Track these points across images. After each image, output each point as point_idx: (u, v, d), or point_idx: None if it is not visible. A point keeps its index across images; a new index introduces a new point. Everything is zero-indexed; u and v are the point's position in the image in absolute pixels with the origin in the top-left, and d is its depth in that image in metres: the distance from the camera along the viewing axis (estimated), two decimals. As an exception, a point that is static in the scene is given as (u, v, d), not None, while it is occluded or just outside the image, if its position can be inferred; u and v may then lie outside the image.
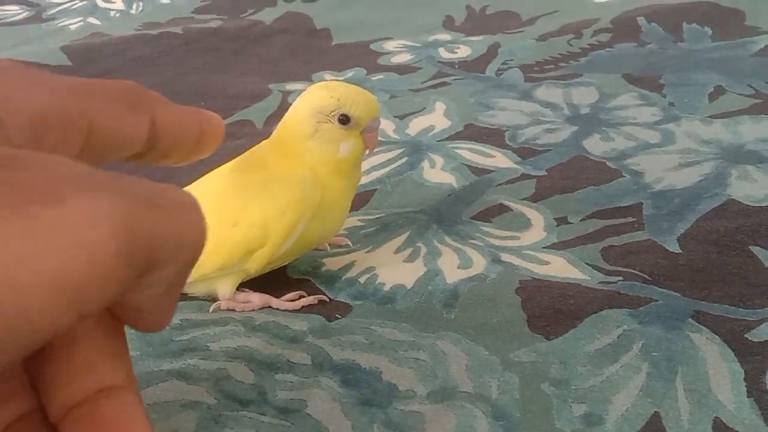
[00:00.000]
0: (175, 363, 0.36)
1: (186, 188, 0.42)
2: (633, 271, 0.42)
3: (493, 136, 0.61)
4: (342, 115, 0.39)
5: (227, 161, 0.43)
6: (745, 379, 0.34)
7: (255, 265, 0.39)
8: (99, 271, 0.16)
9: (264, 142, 0.43)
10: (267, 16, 0.98)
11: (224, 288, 0.40)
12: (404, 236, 0.47)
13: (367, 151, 0.41)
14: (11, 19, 1.04)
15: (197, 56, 0.85)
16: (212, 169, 0.43)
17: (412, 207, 0.50)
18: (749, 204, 0.49)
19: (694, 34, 0.84)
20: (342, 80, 0.75)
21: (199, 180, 0.42)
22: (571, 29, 0.87)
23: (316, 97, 0.40)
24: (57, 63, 0.81)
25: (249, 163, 0.41)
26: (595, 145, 0.58)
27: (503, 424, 0.32)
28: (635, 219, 0.48)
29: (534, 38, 0.85)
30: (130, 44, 0.87)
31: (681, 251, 0.44)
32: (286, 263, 0.43)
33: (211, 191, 0.41)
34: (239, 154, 0.43)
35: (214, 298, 0.40)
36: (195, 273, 0.39)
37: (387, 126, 0.63)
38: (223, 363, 0.36)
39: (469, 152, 0.58)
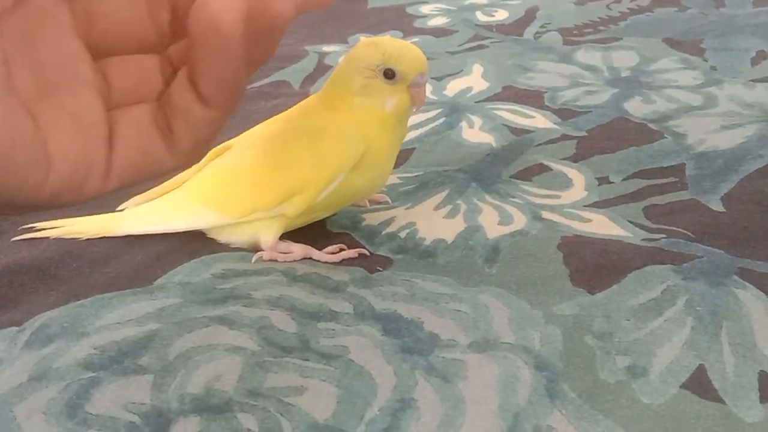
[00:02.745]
0: (218, 310, 0.36)
1: (235, 138, 0.42)
2: (676, 229, 0.42)
3: (532, 98, 0.60)
4: (387, 69, 0.39)
5: (263, 121, 0.43)
6: (791, 335, 0.34)
7: (294, 209, 0.39)
8: None
9: (313, 96, 0.43)
10: (302, -20, 0.98)
11: (266, 236, 0.40)
12: (444, 194, 0.47)
13: (415, 108, 0.41)
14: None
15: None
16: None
17: (451, 166, 0.50)
18: (794, 165, 0.48)
19: (735, 0, 0.82)
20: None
21: (248, 131, 0.42)
22: (611, -6, 0.86)
23: (362, 53, 0.40)
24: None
25: (297, 114, 0.42)
26: (637, 107, 0.58)
27: (546, 374, 0.32)
28: (678, 179, 0.47)
29: (573, 2, 0.84)
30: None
31: (725, 210, 0.44)
32: (329, 215, 0.43)
33: (258, 136, 0.41)
34: (276, 114, 0.43)
35: (256, 249, 0.41)
36: (236, 212, 0.39)
37: (425, 87, 0.62)
38: (266, 311, 0.36)
39: (508, 113, 0.58)
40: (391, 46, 0.39)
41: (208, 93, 0.24)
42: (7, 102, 0.21)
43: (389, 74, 0.39)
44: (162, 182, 0.42)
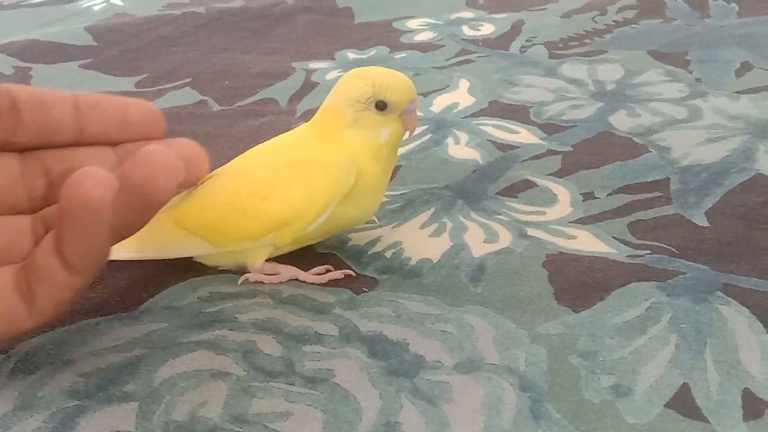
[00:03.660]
0: (204, 334, 0.36)
1: (225, 166, 0.42)
2: (661, 244, 0.42)
3: (518, 113, 0.60)
4: (378, 101, 0.39)
5: (255, 139, 0.43)
6: (774, 351, 0.34)
7: (282, 240, 0.40)
8: None
9: (302, 127, 0.43)
10: (289, -5, 0.98)
11: (253, 260, 0.40)
12: (430, 212, 0.47)
13: (408, 134, 0.41)
14: (35, 0, 1.05)
15: (220, 36, 0.85)
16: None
17: (437, 183, 0.50)
18: (778, 178, 0.48)
19: (720, 11, 0.83)
20: (366, 58, 0.75)
21: (238, 157, 0.42)
22: (596, 6, 0.86)
23: (350, 87, 0.40)
24: (82, 43, 0.81)
25: (287, 144, 0.42)
26: (621, 121, 0.58)
27: (531, 395, 0.32)
28: (662, 194, 0.48)
29: (558, 15, 0.84)
30: (154, 24, 0.87)
31: (709, 225, 0.44)
32: (316, 242, 0.43)
33: (248, 165, 0.41)
34: (264, 132, 0.43)
35: (242, 271, 0.41)
36: (223, 241, 0.39)
37: (411, 103, 0.63)
38: (252, 335, 0.36)
39: (494, 128, 0.58)
40: (379, 77, 0.39)
41: (72, 260, 0.25)
42: None
43: (381, 105, 0.39)
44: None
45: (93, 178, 0.23)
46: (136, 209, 0.25)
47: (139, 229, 0.26)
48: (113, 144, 0.28)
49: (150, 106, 0.29)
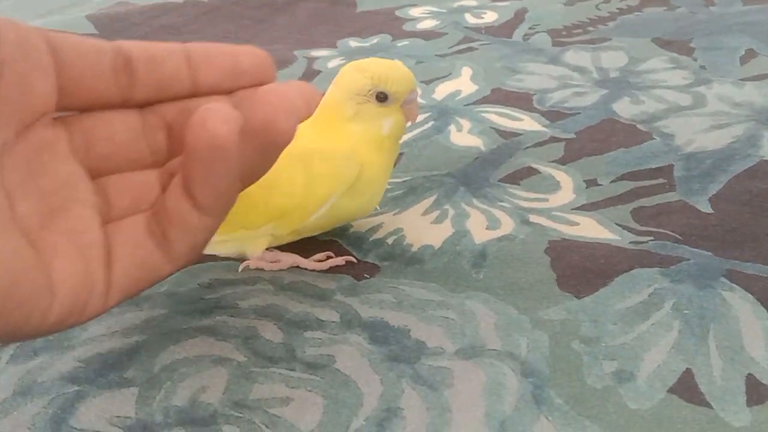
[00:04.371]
0: (205, 320, 0.36)
1: None
2: (664, 231, 0.42)
3: (521, 100, 0.60)
4: (379, 92, 0.39)
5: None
6: (778, 337, 0.34)
7: (282, 230, 0.39)
8: None
9: (306, 121, 0.42)
10: (291, -16, 0.98)
11: (253, 249, 0.40)
12: (432, 199, 0.47)
13: (409, 123, 0.41)
14: (37, -10, 1.04)
15: (222, 24, 0.85)
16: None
17: (440, 170, 0.50)
18: (783, 165, 0.48)
19: (725, -2, 0.82)
20: (368, 47, 0.74)
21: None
22: (600, -6, 0.86)
23: (350, 80, 0.39)
24: (84, 31, 0.81)
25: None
26: (625, 108, 0.57)
27: (533, 381, 0.32)
28: (666, 180, 0.47)
29: (562, 3, 0.84)
30: (156, 13, 0.87)
31: (713, 212, 0.44)
32: (318, 233, 0.43)
33: None
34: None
35: (243, 259, 0.40)
36: (222, 229, 0.39)
37: (413, 91, 0.62)
38: (253, 321, 0.36)
39: (497, 116, 0.57)
40: (378, 68, 0.39)
41: (204, 202, 0.24)
42: (10, 236, 0.21)
43: (381, 97, 0.39)
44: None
45: (218, 114, 0.23)
46: (260, 150, 0.24)
47: (264, 172, 0.26)
48: (227, 93, 0.28)
49: (260, 52, 0.28)
